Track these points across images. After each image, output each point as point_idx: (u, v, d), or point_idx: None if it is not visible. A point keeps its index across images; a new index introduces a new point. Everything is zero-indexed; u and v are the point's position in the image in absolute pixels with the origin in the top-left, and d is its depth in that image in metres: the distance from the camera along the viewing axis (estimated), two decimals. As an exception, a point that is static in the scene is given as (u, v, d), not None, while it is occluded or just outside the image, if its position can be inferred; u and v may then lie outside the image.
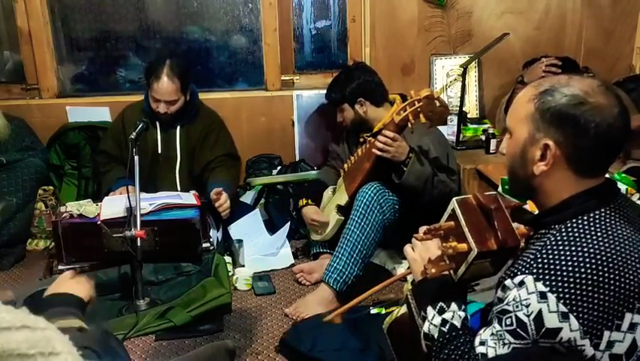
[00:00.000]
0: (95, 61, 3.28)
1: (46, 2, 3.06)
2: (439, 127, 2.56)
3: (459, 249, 1.17)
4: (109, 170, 2.77)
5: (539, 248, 1.08)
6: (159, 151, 2.71)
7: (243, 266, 2.56)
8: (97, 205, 2.47)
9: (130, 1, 3.15)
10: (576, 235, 1.07)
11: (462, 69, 3.05)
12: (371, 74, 2.61)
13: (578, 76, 1.16)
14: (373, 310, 2.05)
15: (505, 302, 1.07)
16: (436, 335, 1.17)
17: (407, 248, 1.34)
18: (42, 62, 3.11)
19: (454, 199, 1.25)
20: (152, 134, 2.69)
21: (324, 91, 2.75)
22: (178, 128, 2.71)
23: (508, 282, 1.08)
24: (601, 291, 1.01)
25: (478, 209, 1.22)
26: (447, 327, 1.16)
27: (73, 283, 1.35)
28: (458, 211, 1.21)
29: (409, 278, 1.45)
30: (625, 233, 1.07)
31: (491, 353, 1.07)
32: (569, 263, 1.03)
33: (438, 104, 2.11)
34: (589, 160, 1.11)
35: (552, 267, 1.03)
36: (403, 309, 1.43)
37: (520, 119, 1.14)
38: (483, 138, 3.08)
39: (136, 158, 2.22)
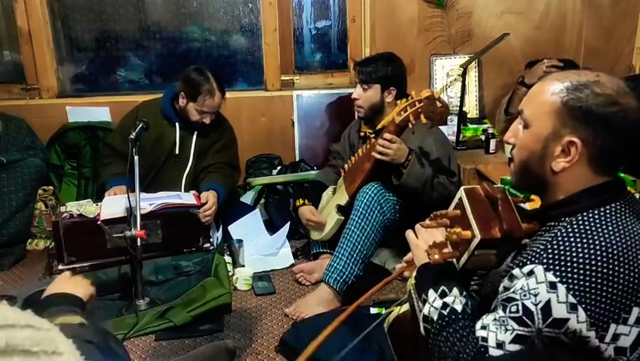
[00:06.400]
0: (95, 61, 3.28)
1: (46, 2, 3.06)
2: (439, 127, 2.55)
3: (463, 235, 1.16)
4: (110, 162, 2.77)
5: (550, 239, 1.08)
6: (176, 152, 2.74)
7: (243, 266, 2.56)
8: (97, 205, 2.48)
9: (130, 1, 3.15)
10: (587, 227, 1.06)
11: (462, 69, 3.04)
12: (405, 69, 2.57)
13: (604, 73, 1.13)
14: (373, 310, 2.05)
15: (511, 290, 1.07)
16: (435, 318, 1.17)
17: (409, 234, 1.33)
18: (42, 62, 3.12)
19: (462, 188, 1.25)
20: (171, 135, 2.71)
21: (325, 91, 2.75)
22: (196, 132, 2.73)
23: (516, 271, 1.08)
24: (610, 284, 1.01)
25: (485, 198, 1.22)
26: (447, 310, 1.16)
27: (71, 284, 1.34)
28: (465, 200, 1.21)
29: (407, 275, 1.44)
30: (636, 228, 1.07)
31: (492, 338, 1.06)
32: (580, 255, 1.03)
33: (439, 104, 2.11)
34: (610, 160, 1.10)
35: (563, 258, 1.03)
36: (404, 308, 1.43)
37: (544, 113, 1.11)
38: (483, 138, 3.08)
39: (136, 158, 2.22)
